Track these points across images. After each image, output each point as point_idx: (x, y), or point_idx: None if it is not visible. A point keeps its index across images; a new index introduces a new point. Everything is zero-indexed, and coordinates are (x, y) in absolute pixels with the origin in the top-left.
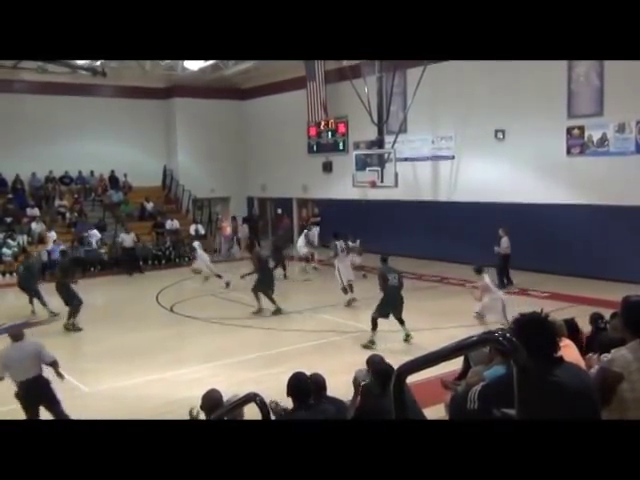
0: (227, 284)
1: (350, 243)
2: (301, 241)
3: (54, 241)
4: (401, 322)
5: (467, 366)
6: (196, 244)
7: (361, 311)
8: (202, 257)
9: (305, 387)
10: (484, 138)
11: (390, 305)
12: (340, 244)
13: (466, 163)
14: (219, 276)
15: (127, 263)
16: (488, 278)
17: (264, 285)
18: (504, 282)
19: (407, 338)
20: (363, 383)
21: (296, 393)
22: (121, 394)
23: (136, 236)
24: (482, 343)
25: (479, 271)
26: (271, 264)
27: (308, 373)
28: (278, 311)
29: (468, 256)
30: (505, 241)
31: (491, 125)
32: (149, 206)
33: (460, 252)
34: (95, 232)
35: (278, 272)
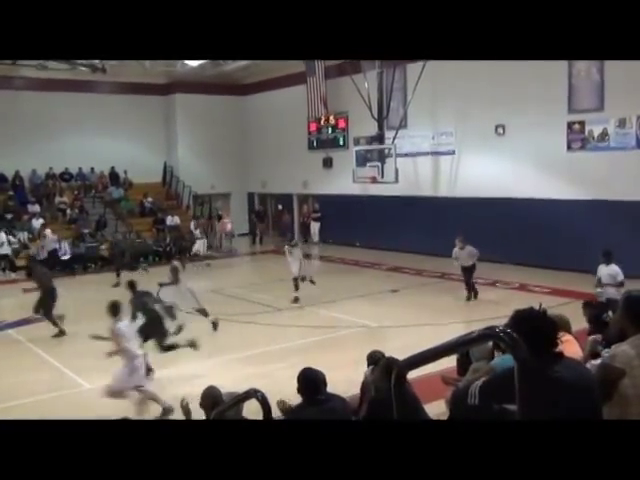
0: None
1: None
2: (198, 235)
3: (7, 243)
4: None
5: (467, 362)
6: None
7: (361, 307)
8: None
9: (316, 384)
10: (484, 133)
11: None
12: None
13: (466, 158)
14: None
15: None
16: (126, 322)
17: (43, 305)
18: (471, 296)
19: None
20: (371, 398)
21: (306, 389)
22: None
23: (70, 240)
24: (483, 339)
25: (114, 311)
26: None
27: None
28: (62, 333)
29: None
30: (469, 251)
31: (491, 120)
32: (147, 202)
33: None
34: (1, 235)
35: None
